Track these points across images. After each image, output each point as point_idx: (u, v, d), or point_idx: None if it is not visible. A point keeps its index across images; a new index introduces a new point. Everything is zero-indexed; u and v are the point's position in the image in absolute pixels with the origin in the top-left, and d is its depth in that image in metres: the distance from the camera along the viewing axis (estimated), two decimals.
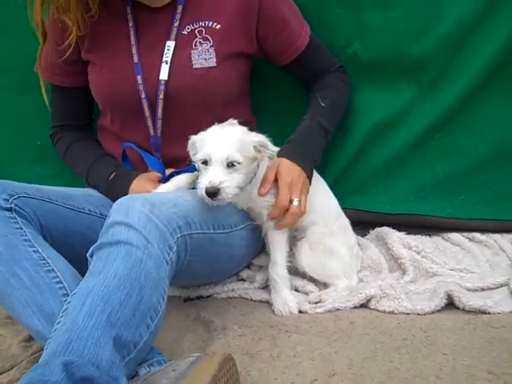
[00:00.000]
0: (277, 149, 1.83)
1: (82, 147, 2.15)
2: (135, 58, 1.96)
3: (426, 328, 1.72)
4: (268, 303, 1.92)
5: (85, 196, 1.94)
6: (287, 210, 1.83)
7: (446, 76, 2.14)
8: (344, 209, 2.12)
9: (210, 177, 1.69)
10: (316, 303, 1.89)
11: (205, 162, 1.72)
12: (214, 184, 1.68)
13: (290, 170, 1.86)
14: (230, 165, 1.71)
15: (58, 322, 1.37)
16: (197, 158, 1.74)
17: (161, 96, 1.94)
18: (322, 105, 2.05)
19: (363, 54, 2.19)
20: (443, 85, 2.15)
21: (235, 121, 1.81)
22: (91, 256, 1.49)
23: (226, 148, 1.71)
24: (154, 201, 1.57)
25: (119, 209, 1.53)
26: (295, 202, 1.83)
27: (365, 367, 1.54)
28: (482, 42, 2.09)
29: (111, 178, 1.99)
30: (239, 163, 1.71)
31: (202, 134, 1.78)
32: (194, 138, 1.79)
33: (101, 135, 2.19)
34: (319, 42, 2.12)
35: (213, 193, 1.68)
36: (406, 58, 2.16)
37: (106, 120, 2.11)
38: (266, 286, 1.99)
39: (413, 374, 1.50)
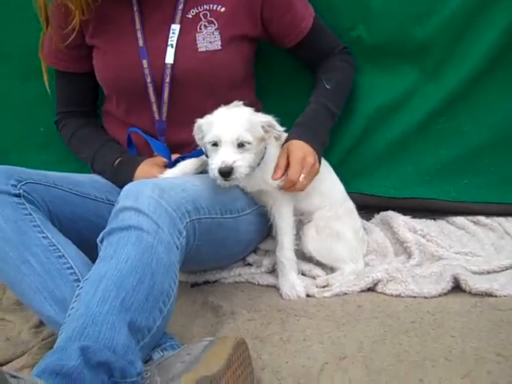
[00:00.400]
0: (283, 129, 1.83)
1: (87, 133, 2.14)
2: (140, 42, 1.96)
3: (433, 311, 1.73)
4: (275, 287, 1.93)
5: (91, 182, 1.94)
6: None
7: (450, 60, 2.14)
8: (349, 193, 2.13)
9: (223, 157, 1.69)
10: (323, 287, 1.90)
11: (215, 144, 1.72)
12: (228, 163, 1.68)
13: (301, 147, 1.87)
14: (241, 145, 1.71)
15: (72, 308, 1.37)
16: (206, 140, 1.73)
17: (167, 80, 1.94)
18: (327, 87, 2.05)
19: (367, 37, 2.18)
20: (447, 69, 2.15)
21: (240, 102, 1.81)
22: (101, 242, 1.50)
23: (236, 128, 1.71)
24: (162, 186, 1.57)
25: (128, 194, 1.53)
26: (301, 178, 1.83)
27: (374, 350, 1.55)
28: (486, 26, 2.08)
29: (116, 163, 1.99)
30: (249, 143, 1.72)
31: (208, 116, 1.78)
32: (200, 121, 1.78)
33: (106, 121, 2.18)
34: (323, 23, 2.11)
35: (227, 172, 1.68)
36: (409, 41, 2.15)
37: (112, 105, 2.10)
38: (272, 271, 2.00)
39: (422, 357, 1.51)
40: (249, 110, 1.79)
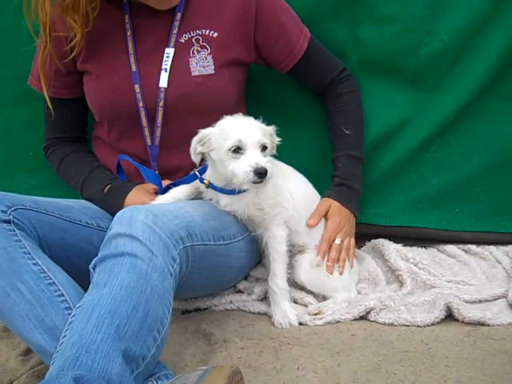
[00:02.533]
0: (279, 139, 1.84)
1: (76, 160, 2.12)
2: (133, 67, 1.95)
3: (426, 340, 1.72)
4: (267, 315, 1.91)
5: (81, 208, 1.91)
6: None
7: (441, 90, 2.17)
8: None
9: (254, 159, 1.69)
10: (315, 315, 1.88)
11: (236, 150, 1.70)
12: (262, 164, 1.68)
13: (340, 211, 2.01)
14: (262, 149, 1.72)
15: (64, 336, 1.35)
16: (226, 147, 1.70)
17: (160, 104, 1.93)
18: (347, 132, 2.09)
19: (359, 69, 2.21)
20: (438, 99, 2.18)
21: (240, 114, 1.83)
22: (94, 268, 1.47)
23: (256, 132, 1.73)
24: (156, 212, 1.55)
25: (122, 220, 1.51)
26: (337, 241, 1.96)
27: (369, 380, 1.53)
28: (476, 57, 2.13)
29: (106, 190, 1.98)
30: (267, 147, 1.74)
31: (214, 127, 1.77)
32: (204, 132, 1.77)
33: (96, 147, 2.17)
34: (319, 45, 2.12)
35: (264, 172, 1.67)
36: (401, 72, 2.19)
37: (103, 131, 2.09)
38: (264, 298, 1.98)
39: None
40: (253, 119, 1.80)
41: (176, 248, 1.53)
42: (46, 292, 1.54)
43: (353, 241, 2.03)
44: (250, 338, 1.76)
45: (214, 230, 1.75)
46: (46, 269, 1.58)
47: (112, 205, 1.90)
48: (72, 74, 2.05)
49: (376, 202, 2.28)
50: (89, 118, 2.21)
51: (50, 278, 1.56)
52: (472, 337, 1.73)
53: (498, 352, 1.64)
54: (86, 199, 2.04)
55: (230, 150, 1.71)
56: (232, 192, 1.82)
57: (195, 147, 1.77)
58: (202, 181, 1.87)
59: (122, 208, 1.69)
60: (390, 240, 2.22)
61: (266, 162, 1.70)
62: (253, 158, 1.69)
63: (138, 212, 1.53)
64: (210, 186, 1.85)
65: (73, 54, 1.92)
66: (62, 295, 1.54)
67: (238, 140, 1.70)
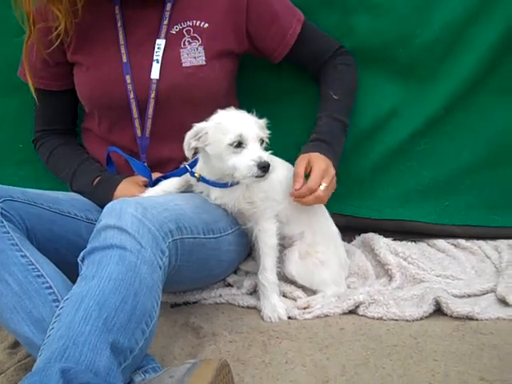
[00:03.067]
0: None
1: (66, 152, 2.11)
2: (124, 58, 1.94)
3: (415, 334, 1.72)
4: (256, 309, 1.90)
5: (70, 200, 1.90)
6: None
7: (432, 82, 2.17)
8: (330, 213, 2.11)
9: (257, 153, 1.69)
10: (304, 309, 1.88)
11: (238, 145, 1.69)
12: (265, 158, 1.67)
13: (323, 158, 1.88)
14: (261, 143, 1.72)
15: (52, 328, 1.34)
16: (227, 142, 1.69)
17: (152, 95, 1.92)
18: (335, 97, 2.05)
19: None
20: (429, 91, 2.18)
21: (232, 107, 1.81)
22: (82, 261, 1.46)
23: (255, 126, 1.72)
24: (145, 204, 1.54)
25: (111, 212, 1.50)
26: (322, 187, 1.83)
27: (358, 373, 1.54)
28: (468, 48, 2.12)
29: (95, 182, 1.97)
30: (264, 141, 1.74)
31: (209, 121, 1.76)
32: (199, 126, 1.75)
33: (86, 139, 2.15)
34: (314, 27, 2.10)
35: (268, 166, 1.67)
36: (392, 63, 2.18)
37: (93, 122, 2.07)
38: (253, 292, 1.98)
39: (406, 381, 1.50)
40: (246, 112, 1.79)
41: (165, 241, 1.52)
42: (33, 284, 1.53)
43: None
44: (239, 332, 1.76)
45: (204, 224, 1.74)
46: (34, 261, 1.57)
47: (101, 197, 1.89)
48: (61, 65, 2.03)
49: (365, 195, 2.28)
50: (79, 110, 2.20)
51: (38, 270, 1.55)
52: (460, 331, 1.73)
53: (486, 346, 1.65)
54: (75, 192, 2.03)
55: (231, 144, 1.69)
56: (224, 185, 1.82)
57: (189, 142, 1.75)
58: (192, 174, 1.86)
59: (111, 200, 1.68)
60: (379, 234, 2.22)
61: (267, 155, 1.70)
62: (255, 152, 1.69)
63: (127, 204, 1.52)
64: (201, 179, 1.85)
65: (56, 43, 1.91)
66: (50, 287, 1.53)
67: (238, 135, 1.69)
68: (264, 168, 1.67)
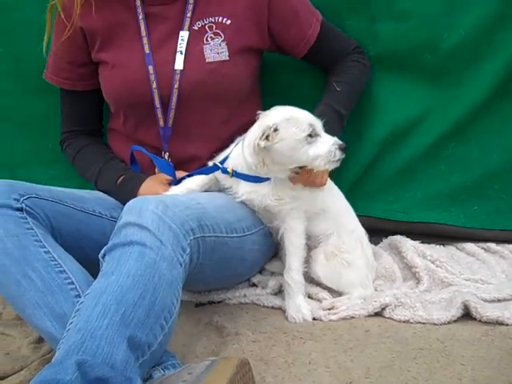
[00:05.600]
0: None
1: (91, 152, 2.12)
2: (146, 49, 1.95)
3: (442, 338, 1.68)
4: (281, 309, 1.89)
5: (96, 199, 1.91)
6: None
7: (459, 86, 2.14)
8: (357, 215, 2.08)
9: (330, 138, 1.75)
10: (329, 310, 1.86)
11: (311, 135, 1.72)
12: (340, 141, 1.75)
13: None
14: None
15: (71, 323, 1.34)
16: (304, 134, 1.72)
17: (176, 86, 1.92)
18: (338, 89, 2.03)
19: (376, 65, 2.19)
20: (456, 95, 2.15)
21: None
22: (103, 257, 1.47)
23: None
24: (166, 202, 1.54)
25: (132, 210, 1.51)
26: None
27: (382, 376, 1.51)
28: (496, 51, 2.09)
29: (120, 181, 1.97)
30: None
31: (276, 115, 1.76)
32: (266, 124, 1.73)
33: (111, 139, 2.16)
34: (332, 26, 2.10)
35: (345, 148, 1.74)
36: (419, 68, 2.16)
37: (118, 122, 2.08)
38: (278, 292, 1.96)
39: None
40: None
41: (186, 238, 1.51)
42: (56, 280, 1.54)
43: (325, 178, 1.89)
44: (263, 332, 1.74)
45: (227, 222, 1.73)
46: (57, 257, 1.58)
47: (125, 196, 1.88)
48: (86, 66, 2.05)
49: (393, 198, 2.25)
50: (104, 111, 2.21)
51: (61, 266, 1.56)
52: (489, 336, 1.69)
53: None
54: (100, 191, 2.04)
55: (309, 135, 1.72)
56: (258, 179, 1.82)
57: (257, 143, 1.73)
58: (224, 171, 1.86)
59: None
60: (407, 237, 2.19)
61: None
62: (329, 137, 1.75)
63: (148, 202, 1.52)
64: (234, 174, 1.84)
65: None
66: (72, 283, 1.54)
67: (311, 124, 1.73)
68: (343, 149, 1.73)
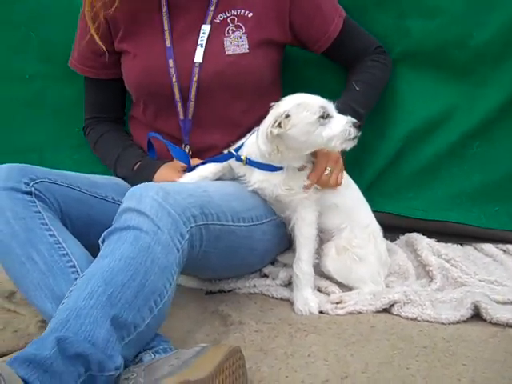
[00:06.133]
0: None
1: (111, 139, 2.16)
2: (168, 43, 1.97)
3: (448, 338, 1.66)
4: (289, 301, 1.89)
5: (112, 184, 1.95)
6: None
7: (486, 84, 2.12)
8: (375, 212, 2.07)
9: (344, 118, 1.75)
10: (337, 304, 1.85)
11: (326, 116, 1.73)
12: (353, 119, 1.74)
13: None
14: None
15: (63, 303, 1.38)
16: (316, 116, 1.72)
17: (194, 79, 1.94)
18: (357, 89, 2.03)
19: (404, 61, 2.17)
20: (483, 92, 2.13)
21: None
22: (103, 242, 1.50)
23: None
24: (168, 189, 1.56)
25: (132, 196, 1.53)
26: (326, 171, 1.84)
27: (380, 372, 1.50)
28: None
29: (136, 167, 2.00)
30: None
31: (279, 107, 1.77)
32: (278, 112, 1.74)
33: (132, 127, 2.20)
34: (355, 24, 2.10)
35: (360, 126, 1.74)
36: (447, 65, 2.15)
37: (139, 110, 2.11)
38: (288, 284, 1.96)
39: (428, 383, 1.45)
40: None
41: (186, 225, 1.53)
42: (58, 262, 1.58)
43: (340, 178, 1.89)
44: (267, 322, 1.75)
45: (234, 211, 1.74)
46: (62, 240, 1.62)
47: (141, 182, 1.90)
48: (110, 55, 2.08)
49: (413, 196, 2.24)
50: (127, 99, 2.25)
51: (64, 249, 1.60)
52: (497, 338, 1.66)
53: None
54: (119, 177, 2.08)
55: (321, 117, 1.72)
56: (271, 168, 1.82)
57: (270, 131, 1.74)
58: (238, 158, 1.87)
59: None
60: (426, 235, 2.16)
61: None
62: (342, 117, 1.75)
63: (148, 188, 1.54)
64: (248, 161, 1.85)
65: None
66: (74, 266, 1.58)
67: (323, 106, 1.73)
68: (359, 127, 1.73)
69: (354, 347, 1.62)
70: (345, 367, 1.52)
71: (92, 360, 1.25)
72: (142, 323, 1.39)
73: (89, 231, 1.73)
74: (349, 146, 1.75)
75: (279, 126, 1.73)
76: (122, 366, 1.32)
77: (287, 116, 1.73)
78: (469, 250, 2.17)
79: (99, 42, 2.00)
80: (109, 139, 2.16)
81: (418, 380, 1.47)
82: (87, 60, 2.12)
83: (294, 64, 2.22)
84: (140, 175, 1.97)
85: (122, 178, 2.06)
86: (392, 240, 2.21)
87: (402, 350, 1.60)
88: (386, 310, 1.83)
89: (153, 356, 1.41)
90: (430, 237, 2.15)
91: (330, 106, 1.75)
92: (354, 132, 1.72)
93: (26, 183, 1.66)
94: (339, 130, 1.72)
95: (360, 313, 1.81)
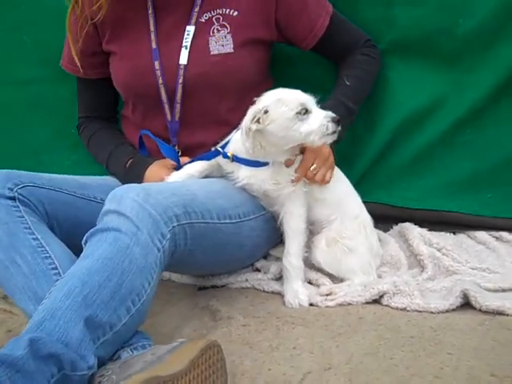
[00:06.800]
0: None
1: (104, 136, 2.19)
2: (153, 44, 1.99)
3: (436, 327, 1.67)
4: (280, 295, 1.90)
5: (100, 185, 1.97)
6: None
7: (475, 71, 2.11)
8: (368, 203, 2.08)
9: (322, 112, 1.75)
10: (327, 296, 1.86)
11: (304, 112, 1.73)
12: (333, 114, 1.74)
13: None
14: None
15: (42, 304, 1.41)
16: (293, 112, 1.72)
17: (180, 81, 1.96)
18: (347, 83, 2.03)
19: (392, 50, 2.17)
20: (473, 81, 2.12)
21: None
22: (85, 243, 1.52)
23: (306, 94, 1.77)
24: (150, 190, 1.58)
25: (113, 198, 1.56)
26: (312, 167, 1.85)
27: (363, 362, 1.51)
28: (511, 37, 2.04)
29: (128, 164, 2.03)
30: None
31: (262, 102, 1.77)
32: (256, 108, 1.76)
33: (124, 126, 2.23)
34: (343, 19, 2.10)
35: (339, 120, 1.73)
36: (435, 53, 2.14)
37: (128, 110, 2.14)
38: (279, 278, 1.97)
39: (411, 372, 1.46)
40: None
41: (168, 225, 1.55)
42: (41, 265, 1.60)
43: (329, 175, 1.90)
44: (256, 316, 1.76)
45: (220, 209, 1.76)
46: (45, 243, 1.65)
47: (132, 179, 1.93)
48: (97, 55, 2.11)
49: (406, 185, 2.24)
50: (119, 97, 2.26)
51: (47, 252, 1.63)
52: (486, 326, 1.66)
53: (509, 342, 1.57)
54: (111, 174, 2.11)
55: (299, 113, 1.73)
56: (257, 164, 1.84)
57: (249, 127, 1.76)
58: (225, 155, 1.88)
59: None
60: (420, 225, 2.17)
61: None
62: (321, 112, 1.75)
63: (129, 190, 1.57)
64: (235, 158, 1.87)
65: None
66: (56, 268, 1.60)
67: (302, 103, 1.74)
68: (337, 122, 1.73)
69: (340, 339, 1.63)
70: (329, 359, 1.53)
71: (64, 360, 1.28)
72: (119, 323, 1.41)
73: (77, 232, 1.72)
74: (328, 140, 1.76)
75: (258, 121, 1.74)
76: (96, 365, 1.34)
77: (266, 112, 1.74)
78: (462, 238, 2.17)
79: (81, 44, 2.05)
80: (101, 137, 2.19)
81: (400, 369, 1.47)
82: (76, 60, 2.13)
83: (286, 59, 2.23)
84: (132, 172, 2.00)
85: (114, 175, 2.09)
86: (385, 230, 2.21)
87: (388, 341, 1.61)
88: (376, 301, 1.83)
89: (131, 353, 1.43)
90: (423, 226, 2.16)
91: (310, 101, 1.76)
92: (331, 127, 1.72)
93: (9, 188, 1.69)
94: (317, 125, 1.72)
95: (350, 304, 1.82)
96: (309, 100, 1.75)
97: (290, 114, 1.73)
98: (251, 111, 1.77)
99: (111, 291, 1.40)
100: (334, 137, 1.75)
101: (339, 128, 1.73)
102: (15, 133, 2.50)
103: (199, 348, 1.33)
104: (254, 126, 1.75)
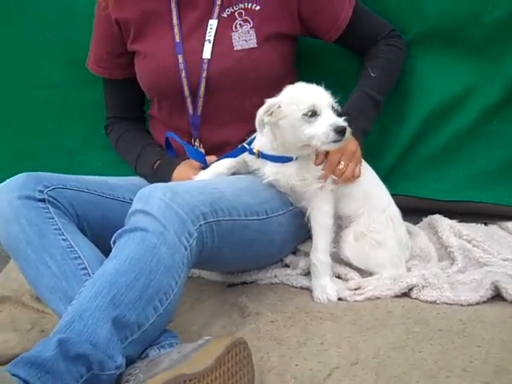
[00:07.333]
0: None
1: (131, 137, 2.22)
2: (177, 38, 2.01)
3: (466, 319, 1.66)
4: (309, 290, 1.90)
5: (128, 185, 1.99)
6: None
7: (505, 59, 2.08)
8: (397, 195, 2.07)
9: (331, 118, 1.72)
10: (355, 290, 1.86)
11: (311, 114, 1.72)
12: (340, 123, 1.70)
13: None
14: (333, 110, 1.75)
15: (71, 305, 1.44)
16: (301, 112, 1.72)
17: (203, 75, 1.97)
18: (372, 75, 2.02)
19: (421, 42, 2.15)
20: (502, 68, 2.09)
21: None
22: (114, 243, 1.55)
23: (325, 94, 1.76)
24: (177, 189, 1.60)
25: (141, 198, 1.58)
26: (340, 166, 1.84)
27: (390, 357, 1.51)
28: None
29: (156, 165, 2.05)
30: (336, 109, 1.76)
31: (279, 96, 1.78)
32: (272, 101, 1.77)
33: (151, 125, 2.25)
34: (366, 9, 2.09)
35: (344, 130, 1.70)
36: (464, 42, 2.11)
37: (155, 109, 2.16)
38: (308, 273, 1.96)
39: (439, 366, 1.46)
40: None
41: (195, 223, 1.56)
42: (70, 266, 1.63)
43: (358, 170, 1.89)
44: (284, 312, 1.77)
45: (246, 206, 1.77)
46: (74, 244, 1.67)
47: (160, 180, 1.94)
48: (123, 56, 2.14)
49: (435, 177, 2.22)
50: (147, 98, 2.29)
51: (76, 252, 1.66)
52: None
53: None
54: (139, 175, 2.13)
55: (305, 114, 1.72)
56: (282, 160, 1.85)
57: (262, 118, 1.77)
58: (251, 152, 1.90)
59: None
60: (450, 217, 2.14)
61: (342, 120, 1.72)
62: (329, 118, 1.71)
63: (156, 189, 1.59)
64: (260, 154, 1.88)
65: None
66: (85, 268, 1.63)
67: (312, 104, 1.72)
68: (340, 132, 1.69)
69: (368, 333, 1.63)
70: (356, 353, 1.53)
71: (93, 360, 1.31)
72: (147, 322, 1.44)
73: (107, 233, 1.75)
74: (330, 147, 1.75)
75: (271, 114, 1.76)
76: (123, 364, 1.37)
77: (279, 106, 1.75)
78: (493, 229, 2.14)
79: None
80: (129, 138, 2.22)
81: (428, 363, 1.47)
82: (102, 61, 2.18)
83: (311, 53, 2.22)
84: (159, 173, 2.03)
85: (142, 176, 2.11)
86: (415, 223, 2.19)
87: (416, 334, 1.60)
88: (406, 295, 1.83)
89: (158, 351, 1.46)
90: (453, 218, 2.13)
91: (324, 103, 1.73)
92: (333, 136, 1.69)
93: (40, 191, 1.73)
94: (320, 132, 1.70)
95: (378, 298, 1.82)
96: (322, 101, 1.73)
97: (298, 114, 1.73)
98: (267, 103, 1.78)
99: (139, 291, 1.43)
100: (336, 146, 1.72)
101: (343, 138, 1.70)
102: (48, 135, 2.54)
103: (225, 345, 1.35)
104: (267, 119, 1.76)
